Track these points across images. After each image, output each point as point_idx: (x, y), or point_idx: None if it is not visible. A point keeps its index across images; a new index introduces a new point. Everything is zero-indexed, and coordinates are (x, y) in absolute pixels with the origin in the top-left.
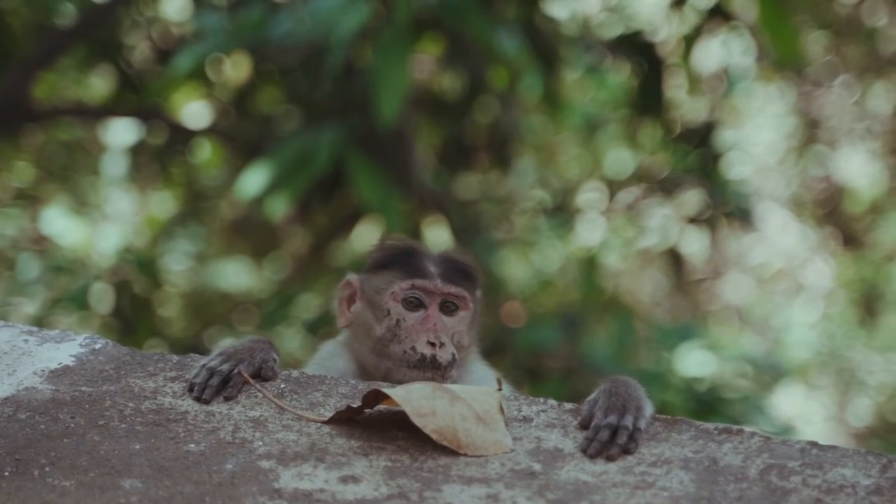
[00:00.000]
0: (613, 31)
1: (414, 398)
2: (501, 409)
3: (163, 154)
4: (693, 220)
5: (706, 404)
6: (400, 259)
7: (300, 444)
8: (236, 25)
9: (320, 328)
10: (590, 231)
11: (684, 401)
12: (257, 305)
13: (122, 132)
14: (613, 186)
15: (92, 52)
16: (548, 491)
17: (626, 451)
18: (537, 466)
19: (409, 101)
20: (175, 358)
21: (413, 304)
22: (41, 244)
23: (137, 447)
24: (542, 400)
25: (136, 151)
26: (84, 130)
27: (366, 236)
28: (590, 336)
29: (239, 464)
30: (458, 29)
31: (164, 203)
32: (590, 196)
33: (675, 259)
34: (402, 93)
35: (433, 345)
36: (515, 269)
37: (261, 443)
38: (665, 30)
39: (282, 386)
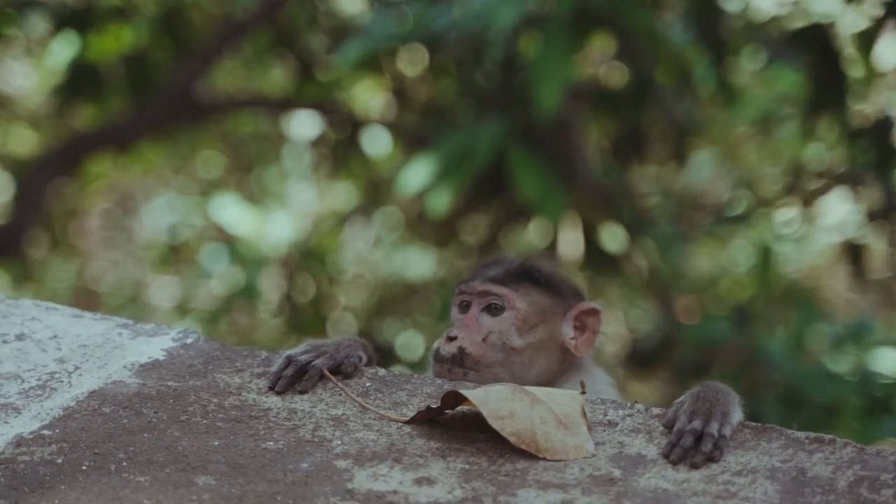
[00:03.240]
0: (790, 23)
1: (492, 400)
2: (584, 413)
3: (341, 146)
4: (873, 216)
5: (880, 403)
6: (478, 267)
7: (379, 443)
8: (400, 18)
9: None
10: (768, 225)
11: (858, 399)
12: (437, 295)
13: (302, 124)
14: (792, 180)
15: (271, 42)
16: (625, 498)
17: (710, 458)
18: (617, 472)
19: (575, 93)
20: (263, 353)
21: (464, 306)
22: (220, 235)
23: (216, 444)
24: (628, 404)
25: (316, 143)
26: (266, 121)
27: (541, 227)
28: (765, 331)
29: (315, 463)
30: (623, 23)
31: (343, 194)
32: (768, 190)
33: (856, 254)
34: (562, 86)
35: (448, 338)
36: (691, 263)
37: (339, 442)
38: (844, 22)
39: (367, 384)
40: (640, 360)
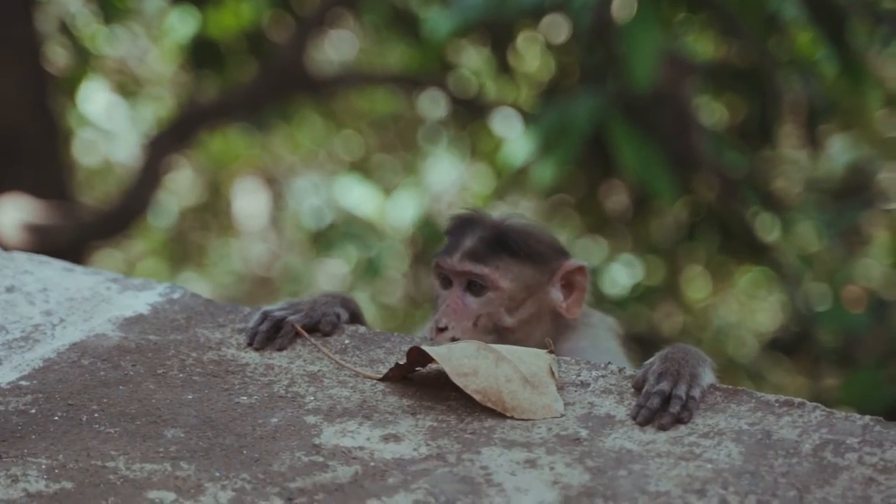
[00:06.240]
0: None
1: (455, 357)
2: (551, 373)
3: (468, 125)
4: None
5: None
6: (450, 233)
7: (351, 400)
8: None
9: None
10: None
11: None
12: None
13: (431, 102)
14: None
15: (388, 16)
16: (588, 458)
17: (679, 420)
18: (584, 432)
19: (681, 67)
20: (247, 310)
21: (445, 281)
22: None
23: (190, 397)
24: (602, 365)
25: (446, 123)
26: (396, 99)
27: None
28: None
29: (285, 418)
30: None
31: (480, 176)
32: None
33: None
34: (656, 55)
35: (438, 329)
36: (830, 250)
37: (312, 398)
38: None
39: (346, 342)
40: (782, 348)
